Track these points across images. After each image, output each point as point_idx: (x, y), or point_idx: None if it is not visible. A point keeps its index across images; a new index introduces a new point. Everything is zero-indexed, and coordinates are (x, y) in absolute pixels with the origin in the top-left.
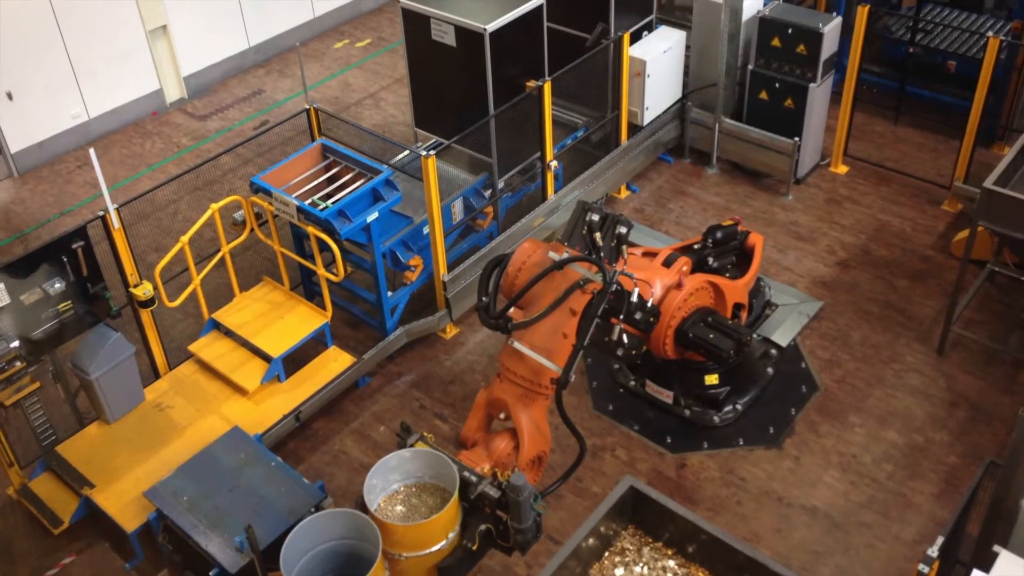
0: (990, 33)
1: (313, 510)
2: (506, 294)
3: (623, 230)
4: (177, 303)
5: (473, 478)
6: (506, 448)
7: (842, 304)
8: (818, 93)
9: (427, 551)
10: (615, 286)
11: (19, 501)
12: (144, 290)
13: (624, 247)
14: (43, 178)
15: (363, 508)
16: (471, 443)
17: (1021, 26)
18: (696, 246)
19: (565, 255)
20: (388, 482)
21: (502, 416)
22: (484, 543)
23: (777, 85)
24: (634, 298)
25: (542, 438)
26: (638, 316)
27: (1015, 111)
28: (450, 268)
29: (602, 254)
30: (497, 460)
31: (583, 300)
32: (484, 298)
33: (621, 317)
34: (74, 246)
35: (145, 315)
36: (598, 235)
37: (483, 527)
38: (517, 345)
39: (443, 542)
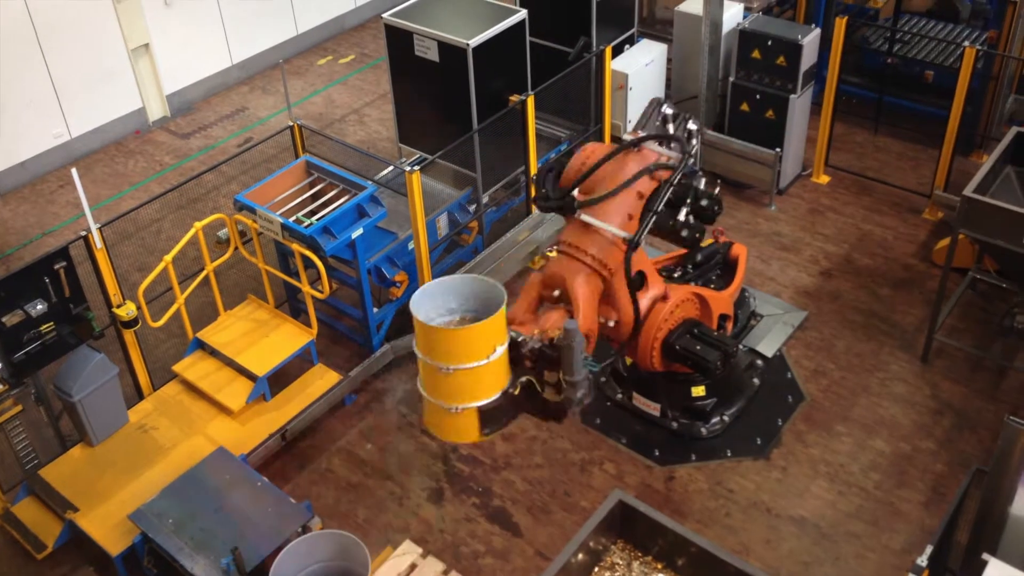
0: (966, 43)
1: (300, 530)
2: (568, 185)
3: (694, 127)
4: (161, 323)
5: (520, 337)
6: (557, 321)
7: (826, 314)
8: (798, 104)
9: (474, 364)
10: (687, 168)
11: (2, 526)
12: (127, 310)
13: (695, 142)
14: (25, 198)
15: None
16: (519, 323)
17: (997, 35)
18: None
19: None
20: (438, 307)
21: (556, 294)
22: (526, 394)
23: (758, 97)
24: (701, 185)
25: (594, 318)
26: (704, 203)
27: (992, 119)
28: None
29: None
30: (546, 331)
31: (651, 187)
32: (543, 189)
33: (688, 202)
34: (56, 267)
35: (128, 335)
36: (671, 126)
37: (524, 378)
38: (586, 217)
39: (492, 355)
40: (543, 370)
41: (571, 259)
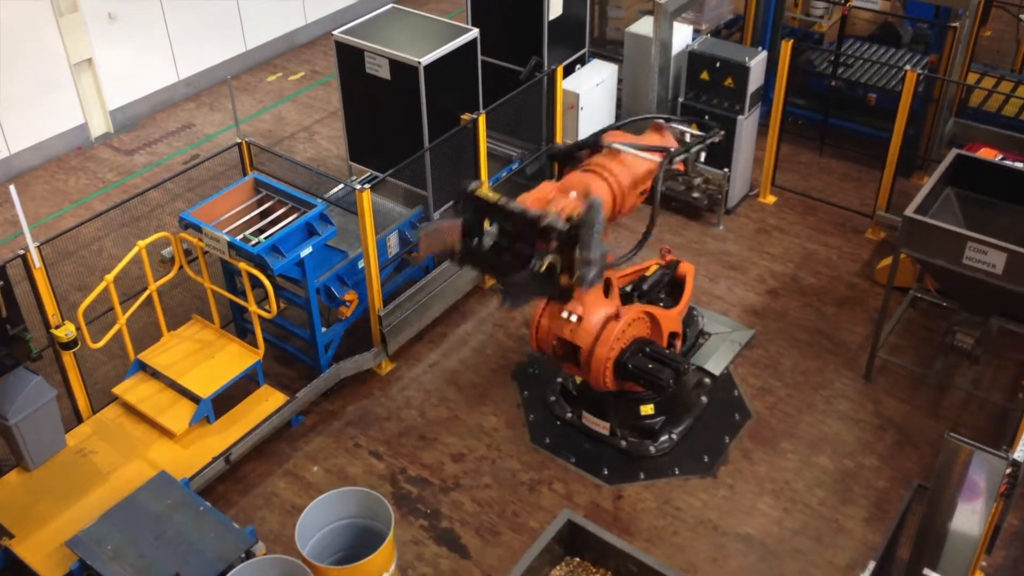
0: (908, 67)
1: (244, 556)
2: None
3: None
4: (101, 344)
5: (543, 216)
6: (576, 205)
7: (772, 332)
8: (746, 125)
9: None
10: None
11: None
12: (66, 331)
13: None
14: None
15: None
16: (532, 203)
17: (937, 60)
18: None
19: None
20: (322, 524)
21: (572, 195)
22: (547, 275)
23: (706, 117)
24: (687, 137)
25: (610, 205)
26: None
27: (933, 141)
28: (386, 302)
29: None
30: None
31: (652, 169)
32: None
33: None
34: None
35: (67, 357)
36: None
37: (551, 257)
38: (618, 145)
39: None
40: (564, 249)
41: (593, 173)
